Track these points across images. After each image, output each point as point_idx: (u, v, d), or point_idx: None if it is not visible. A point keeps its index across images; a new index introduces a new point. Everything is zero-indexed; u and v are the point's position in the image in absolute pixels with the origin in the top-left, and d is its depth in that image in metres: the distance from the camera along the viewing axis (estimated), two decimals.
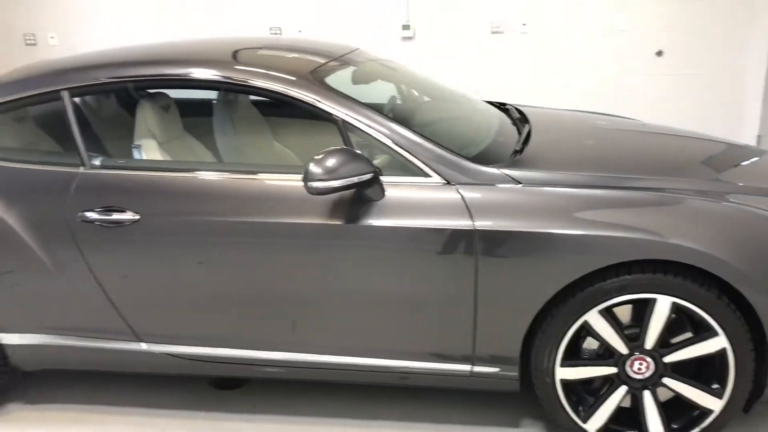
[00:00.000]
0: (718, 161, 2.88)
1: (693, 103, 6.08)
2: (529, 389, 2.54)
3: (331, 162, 2.29)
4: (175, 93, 3.09)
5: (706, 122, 5.46)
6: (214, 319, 2.61)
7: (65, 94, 2.66)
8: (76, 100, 2.80)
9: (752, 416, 2.62)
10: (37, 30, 6.86)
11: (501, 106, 3.57)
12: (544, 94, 6.06)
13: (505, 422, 2.74)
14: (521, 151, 2.71)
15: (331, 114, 2.50)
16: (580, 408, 2.48)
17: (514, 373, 2.48)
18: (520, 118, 3.26)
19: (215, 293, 2.56)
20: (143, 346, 2.67)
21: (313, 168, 2.28)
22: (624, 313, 2.42)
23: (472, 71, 6.35)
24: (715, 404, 2.38)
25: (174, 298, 2.59)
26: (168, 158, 2.81)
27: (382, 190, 2.39)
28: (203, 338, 2.64)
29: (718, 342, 2.31)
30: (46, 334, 2.70)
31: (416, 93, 3.33)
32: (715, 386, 2.38)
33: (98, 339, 2.69)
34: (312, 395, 2.95)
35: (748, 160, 2.94)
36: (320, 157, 2.30)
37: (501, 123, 3.14)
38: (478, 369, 2.49)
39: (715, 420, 2.40)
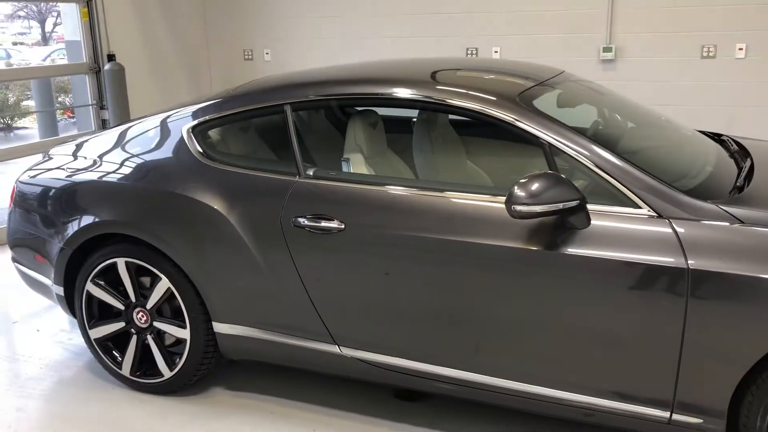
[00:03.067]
0: None
1: None
2: None
3: (535, 186, 2.26)
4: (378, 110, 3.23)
5: None
6: (402, 331, 2.67)
7: (288, 108, 2.89)
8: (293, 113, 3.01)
9: None
10: (255, 46, 7.52)
11: (716, 137, 3.33)
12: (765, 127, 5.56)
13: None
14: (743, 187, 2.51)
15: (537, 137, 2.48)
16: None
17: (720, 427, 2.28)
18: (738, 151, 3.02)
19: (406, 306, 2.62)
20: (338, 349, 2.80)
21: (518, 191, 2.27)
22: None
23: (677, 99, 5.98)
24: None
25: (368, 306, 2.69)
26: (372, 173, 2.94)
27: (588, 219, 2.31)
28: (391, 348, 2.71)
29: None
30: (252, 327, 2.91)
31: (624, 118, 3.20)
32: None
33: (298, 337, 2.85)
34: (491, 419, 2.91)
35: None
36: (525, 180, 2.28)
37: (717, 155, 2.93)
38: (677, 417, 2.33)
39: None
